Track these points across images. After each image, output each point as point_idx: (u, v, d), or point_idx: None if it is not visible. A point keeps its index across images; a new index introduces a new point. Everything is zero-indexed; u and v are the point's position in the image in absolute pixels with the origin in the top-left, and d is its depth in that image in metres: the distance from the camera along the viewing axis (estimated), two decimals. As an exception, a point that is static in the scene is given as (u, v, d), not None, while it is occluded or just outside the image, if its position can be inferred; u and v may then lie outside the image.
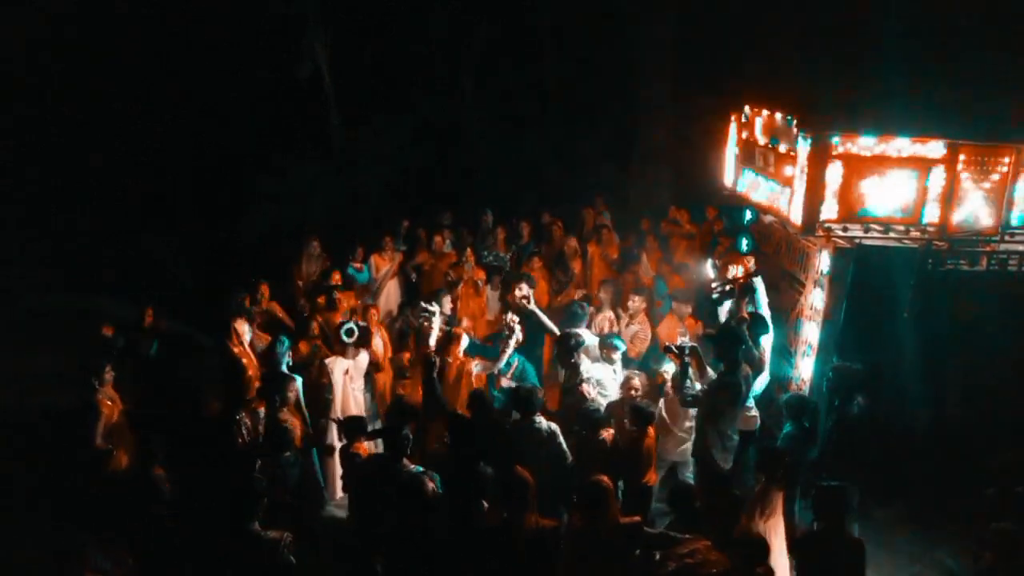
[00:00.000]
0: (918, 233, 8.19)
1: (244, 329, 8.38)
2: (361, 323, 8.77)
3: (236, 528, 5.44)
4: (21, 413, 9.23)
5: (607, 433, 6.96)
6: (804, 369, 8.42)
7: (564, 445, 6.71)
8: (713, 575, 5.11)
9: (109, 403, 6.97)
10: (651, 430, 6.97)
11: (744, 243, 10.29)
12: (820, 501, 5.87)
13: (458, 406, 7.91)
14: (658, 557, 5.47)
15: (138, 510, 6.23)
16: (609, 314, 9.74)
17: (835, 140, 7.95)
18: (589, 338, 8.31)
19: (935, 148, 7.96)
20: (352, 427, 7.02)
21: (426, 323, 8.21)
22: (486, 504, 5.88)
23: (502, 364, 8.27)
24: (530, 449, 6.55)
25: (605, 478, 5.61)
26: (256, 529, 5.45)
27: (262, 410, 7.38)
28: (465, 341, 8.46)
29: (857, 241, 8.11)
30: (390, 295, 11.60)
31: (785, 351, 8.71)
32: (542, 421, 6.71)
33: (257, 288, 9.69)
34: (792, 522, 6.88)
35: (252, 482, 5.77)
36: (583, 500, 5.59)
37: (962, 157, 7.99)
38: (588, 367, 7.88)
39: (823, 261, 8.20)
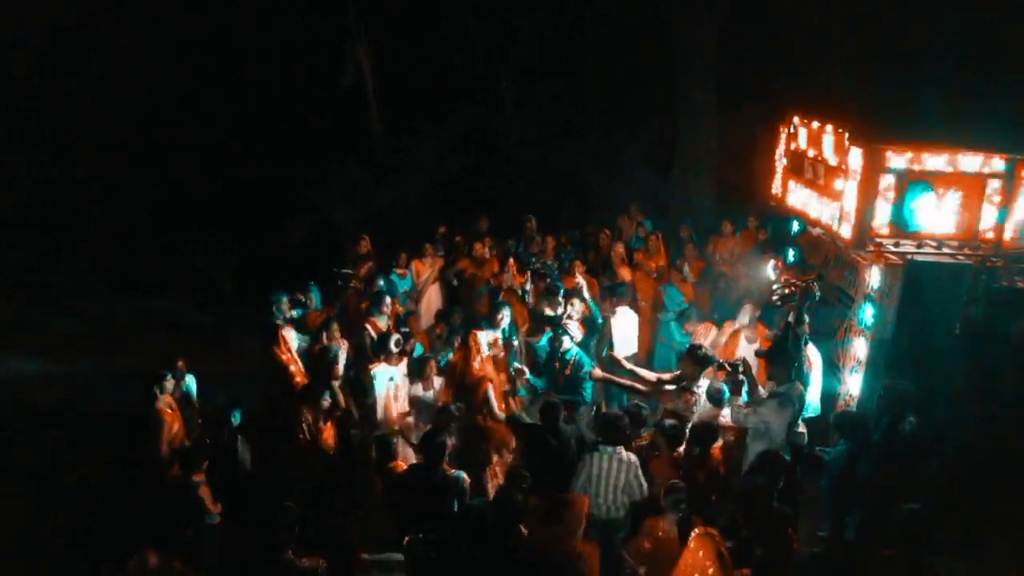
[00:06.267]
0: (971, 249, 8.05)
1: (291, 336, 8.40)
2: (404, 330, 8.79)
3: (270, 556, 5.39)
4: (79, 413, 9.39)
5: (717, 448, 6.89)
6: (852, 386, 8.30)
7: (642, 477, 6.58)
8: None
9: (170, 411, 7.03)
10: (716, 449, 6.86)
11: (791, 254, 10.25)
12: (900, 525, 5.50)
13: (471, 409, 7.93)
14: None
15: (184, 519, 6.28)
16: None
17: (888, 153, 7.84)
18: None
19: (994, 163, 7.81)
20: (382, 451, 6.92)
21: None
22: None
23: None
24: (605, 476, 6.48)
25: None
26: (289, 558, 5.39)
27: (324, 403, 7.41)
28: (484, 337, 8.41)
29: (909, 257, 7.98)
30: (431, 301, 11.62)
31: (833, 367, 8.59)
32: (622, 451, 6.57)
33: (305, 292, 9.69)
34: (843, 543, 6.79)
35: (283, 511, 5.63)
36: None
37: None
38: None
39: (873, 276, 8.08)
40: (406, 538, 5.83)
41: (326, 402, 7.48)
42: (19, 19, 14.19)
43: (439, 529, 5.75)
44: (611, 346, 9.72)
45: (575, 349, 8.38)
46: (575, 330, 8.46)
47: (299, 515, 5.62)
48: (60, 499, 7.23)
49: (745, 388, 7.53)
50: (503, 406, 8.25)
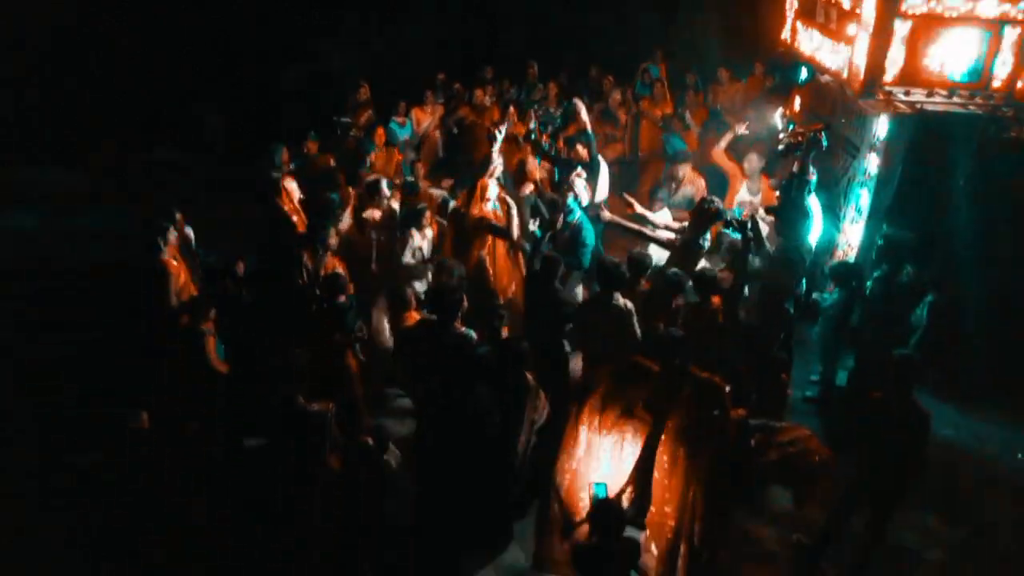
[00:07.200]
0: (983, 99, 7.89)
1: (293, 187, 8.33)
2: (410, 179, 8.72)
3: (280, 403, 5.44)
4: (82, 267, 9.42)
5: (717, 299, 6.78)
6: (852, 235, 8.35)
7: (637, 326, 6.51)
8: (814, 464, 5.10)
9: (175, 263, 7.05)
10: (715, 299, 6.87)
11: (797, 102, 10.07)
12: (891, 369, 5.52)
13: (471, 258, 7.96)
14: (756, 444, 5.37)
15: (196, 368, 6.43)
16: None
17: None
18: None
19: (1012, 8, 7.53)
20: (396, 301, 6.95)
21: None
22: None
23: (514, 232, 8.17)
24: (603, 325, 6.43)
25: None
26: (299, 403, 5.42)
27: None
28: (494, 189, 8.26)
29: (919, 106, 7.83)
30: (431, 149, 11.49)
31: (833, 216, 8.59)
32: (619, 298, 6.47)
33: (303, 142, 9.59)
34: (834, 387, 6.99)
35: (292, 357, 5.67)
36: None
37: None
38: None
39: (881, 125, 7.97)
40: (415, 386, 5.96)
41: (334, 240, 7.50)
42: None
43: (449, 380, 5.86)
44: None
45: (579, 212, 7.99)
46: (582, 190, 8.15)
47: (306, 361, 5.74)
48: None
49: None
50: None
